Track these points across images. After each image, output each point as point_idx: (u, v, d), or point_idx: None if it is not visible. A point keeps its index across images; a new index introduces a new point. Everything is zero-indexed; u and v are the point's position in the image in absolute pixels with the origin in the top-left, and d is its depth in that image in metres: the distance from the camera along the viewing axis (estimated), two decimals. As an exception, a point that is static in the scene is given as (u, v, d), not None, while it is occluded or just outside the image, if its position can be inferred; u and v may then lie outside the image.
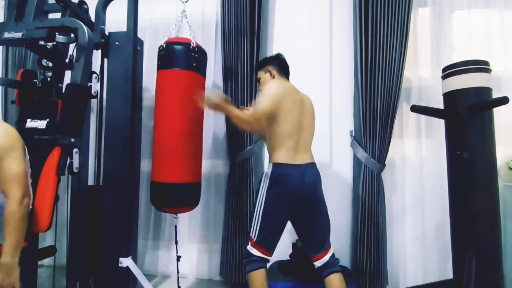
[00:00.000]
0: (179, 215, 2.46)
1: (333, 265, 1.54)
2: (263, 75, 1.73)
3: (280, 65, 1.72)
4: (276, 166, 1.51)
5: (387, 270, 2.13)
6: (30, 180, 1.35)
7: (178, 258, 1.99)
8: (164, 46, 1.89)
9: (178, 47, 1.86)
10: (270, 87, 1.56)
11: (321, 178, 1.59)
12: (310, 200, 1.52)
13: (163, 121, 1.86)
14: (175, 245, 1.99)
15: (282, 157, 1.51)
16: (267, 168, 1.56)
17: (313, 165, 1.58)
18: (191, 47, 1.87)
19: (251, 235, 1.53)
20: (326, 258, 1.54)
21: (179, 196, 1.85)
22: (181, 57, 1.86)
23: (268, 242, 1.52)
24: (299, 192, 1.48)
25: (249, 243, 1.53)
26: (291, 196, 1.48)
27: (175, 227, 2.01)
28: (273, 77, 1.70)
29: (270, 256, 1.54)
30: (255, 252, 1.51)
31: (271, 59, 1.75)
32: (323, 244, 1.56)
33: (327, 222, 1.58)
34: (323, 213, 1.57)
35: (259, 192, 1.54)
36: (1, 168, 1.19)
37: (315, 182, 1.54)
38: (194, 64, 1.89)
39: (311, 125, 1.64)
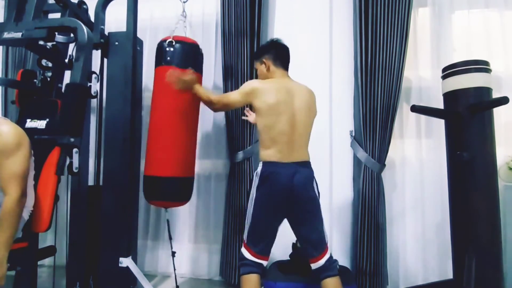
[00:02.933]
0: (180, 215, 2.51)
1: (329, 268, 1.47)
2: (259, 67, 1.62)
3: (277, 54, 1.58)
4: (265, 165, 1.47)
5: (387, 270, 2.13)
6: (33, 182, 1.35)
7: (173, 254, 2.00)
8: (173, 43, 1.87)
9: (184, 46, 1.89)
10: (245, 84, 1.53)
11: (317, 178, 1.53)
12: (300, 200, 1.45)
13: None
14: (169, 241, 2.01)
15: (272, 155, 1.46)
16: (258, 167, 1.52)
17: (305, 163, 1.51)
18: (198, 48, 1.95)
19: (243, 236, 1.50)
20: (322, 262, 1.47)
21: (168, 190, 1.87)
22: (187, 56, 1.90)
23: (258, 244, 1.46)
24: (288, 191, 1.42)
25: (242, 244, 1.50)
26: (279, 196, 1.43)
27: (167, 221, 2.04)
28: (268, 69, 1.57)
29: (263, 259, 1.47)
30: (247, 254, 1.46)
31: (267, 48, 1.61)
32: (317, 246, 1.48)
33: (320, 223, 1.50)
34: (315, 213, 1.49)
35: (251, 191, 1.50)
36: (5, 165, 1.22)
37: (305, 181, 1.46)
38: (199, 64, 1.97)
39: (307, 121, 1.54)
